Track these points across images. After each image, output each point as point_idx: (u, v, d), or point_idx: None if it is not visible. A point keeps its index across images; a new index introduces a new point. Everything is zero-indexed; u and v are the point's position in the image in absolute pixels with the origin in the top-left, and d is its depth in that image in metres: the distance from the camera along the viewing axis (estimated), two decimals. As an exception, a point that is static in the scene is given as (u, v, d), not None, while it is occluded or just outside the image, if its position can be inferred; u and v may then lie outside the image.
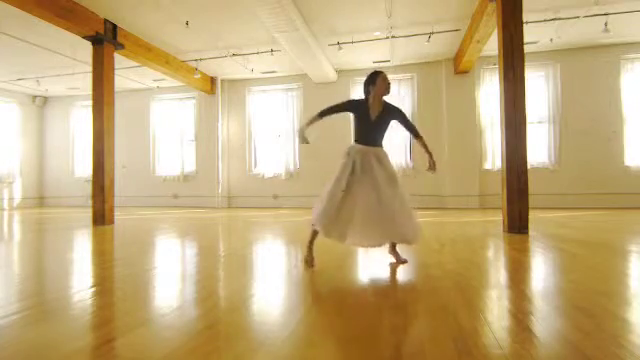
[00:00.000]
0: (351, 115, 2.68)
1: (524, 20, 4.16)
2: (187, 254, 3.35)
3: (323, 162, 8.55)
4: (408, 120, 2.79)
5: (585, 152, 7.33)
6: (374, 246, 2.49)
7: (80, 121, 10.43)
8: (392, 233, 2.44)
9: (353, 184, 2.49)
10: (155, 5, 5.37)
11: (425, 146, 2.80)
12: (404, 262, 2.66)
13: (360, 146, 2.61)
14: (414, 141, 3.04)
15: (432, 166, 2.77)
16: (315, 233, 2.55)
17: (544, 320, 1.50)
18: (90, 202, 5.68)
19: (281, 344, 1.32)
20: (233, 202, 9.23)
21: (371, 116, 2.62)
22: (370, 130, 2.63)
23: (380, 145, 2.66)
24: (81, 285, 2.23)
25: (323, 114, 2.66)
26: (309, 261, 2.56)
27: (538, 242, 3.43)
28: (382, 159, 2.59)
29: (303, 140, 2.71)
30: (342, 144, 8.76)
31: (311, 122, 2.70)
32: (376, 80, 2.61)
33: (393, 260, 2.70)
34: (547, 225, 4.65)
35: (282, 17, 5.20)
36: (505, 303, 1.77)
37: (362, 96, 2.72)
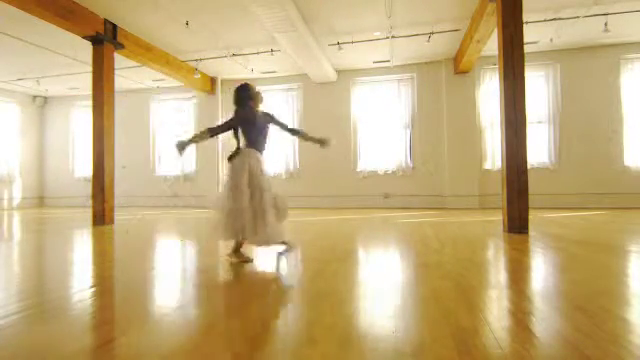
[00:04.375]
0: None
1: (524, 20, 4.16)
2: (187, 254, 3.35)
3: (323, 162, 8.56)
4: (280, 122, 3.04)
5: (585, 152, 7.33)
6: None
7: (80, 121, 10.43)
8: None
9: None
10: (155, 5, 5.36)
11: (309, 138, 3.08)
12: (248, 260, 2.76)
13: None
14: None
15: (323, 142, 3.06)
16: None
17: (544, 320, 1.50)
18: (90, 202, 5.68)
19: (281, 344, 1.32)
20: (233, 202, 9.22)
21: (259, 124, 2.91)
22: (261, 134, 2.91)
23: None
24: (81, 285, 2.23)
25: (213, 132, 2.80)
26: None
27: (538, 242, 3.43)
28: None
29: (180, 151, 2.74)
30: (342, 144, 8.70)
31: (196, 140, 2.81)
32: (255, 97, 2.93)
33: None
34: (547, 225, 4.65)
35: (282, 17, 5.19)
36: (505, 303, 1.77)
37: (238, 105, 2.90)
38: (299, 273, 2.45)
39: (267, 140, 2.97)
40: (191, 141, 2.77)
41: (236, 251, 2.77)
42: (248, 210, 2.61)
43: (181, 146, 2.71)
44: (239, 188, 2.65)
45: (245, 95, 2.89)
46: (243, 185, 2.66)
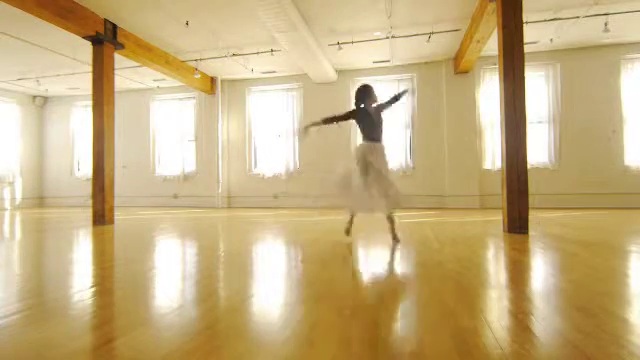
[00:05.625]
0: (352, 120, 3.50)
1: (524, 20, 4.16)
2: (187, 254, 3.35)
3: (323, 162, 8.56)
4: (386, 103, 3.60)
5: (585, 152, 7.33)
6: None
7: (80, 121, 10.44)
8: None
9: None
10: (155, 5, 5.37)
11: (398, 96, 3.61)
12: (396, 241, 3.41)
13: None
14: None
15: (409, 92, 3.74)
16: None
17: (544, 320, 1.50)
18: (90, 202, 5.68)
19: (281, 344, 1.32)
20: (233, 202, 9.23)
21: (374, 118, 3.44)
22: (375, 127, 3.45)
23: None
24: (81, 285, 2.23)
25: (326, 120, 3.46)
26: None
27: (538, 242, 3.43)
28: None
29: (303, 137, 3.53)
30: (341, 144, 8.70)
31: (315, 124, 3.49)
32: (370, 95, 3.45)
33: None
34: (547, 225, 4.65)
35: (282, 17, 5.20)
36: (505, 303, 1.77)
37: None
38: (299, 273, 2.45)
39: (382, 129, 3.45)
40: (313, 124, 3.50)
41: (348, 230, 3.58)
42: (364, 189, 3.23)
43: (305, 130, 3.51)
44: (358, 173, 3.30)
45: (363, 95, 3.43)
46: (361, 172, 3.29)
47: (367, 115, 3.40)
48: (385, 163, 3.38)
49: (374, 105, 3.48)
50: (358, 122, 3.43)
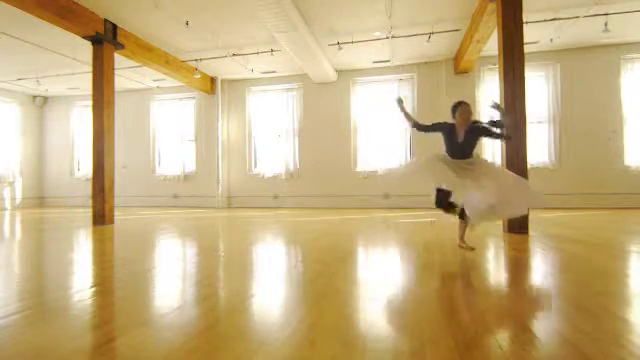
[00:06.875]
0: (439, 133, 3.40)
1: (524, 20, 4.16)
2: (187, 254, 3.35)
3: (323, 162, 8.56)
4: (489, 131, 3.21)
5: (585, 152, 7.33)
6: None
7: (80, 121, 10.44)
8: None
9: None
10: (155, 5, 5.36)
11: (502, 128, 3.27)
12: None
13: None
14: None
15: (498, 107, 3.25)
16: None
17: (544, 320, 1.50)
18: (90, 202, 5.68)
19: (281, 344, 1.32)
20: (233, 202, 9.23)
21: (458, 138, 3.21)
22: (457, 147, 3.23)
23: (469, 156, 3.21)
24: (81, 285, 2.23)
25: (416, 126, 3.47)
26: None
27: (538, 242, 3.43)
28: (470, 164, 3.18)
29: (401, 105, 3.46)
30: (341, 144, 8.71)
31: (406, 114, 3.47)
32: (456, 111, 3.21)
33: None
34: (547, 225, 4.65)
35: (282, 17, 5.20)
36: (505, 303, 1.77)
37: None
38: (299, 273, 2.45)
39: (459, 149, 3.23)
40: (405, 111, 3.45)
41: (461, 238, 3.18)
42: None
43: (400, 103, 3.45)
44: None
45: (452, 110, 3.28)
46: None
47: (452, 133, 3.27)
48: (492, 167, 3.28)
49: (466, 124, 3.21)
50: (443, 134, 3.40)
